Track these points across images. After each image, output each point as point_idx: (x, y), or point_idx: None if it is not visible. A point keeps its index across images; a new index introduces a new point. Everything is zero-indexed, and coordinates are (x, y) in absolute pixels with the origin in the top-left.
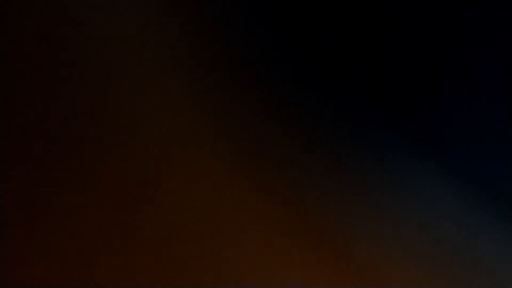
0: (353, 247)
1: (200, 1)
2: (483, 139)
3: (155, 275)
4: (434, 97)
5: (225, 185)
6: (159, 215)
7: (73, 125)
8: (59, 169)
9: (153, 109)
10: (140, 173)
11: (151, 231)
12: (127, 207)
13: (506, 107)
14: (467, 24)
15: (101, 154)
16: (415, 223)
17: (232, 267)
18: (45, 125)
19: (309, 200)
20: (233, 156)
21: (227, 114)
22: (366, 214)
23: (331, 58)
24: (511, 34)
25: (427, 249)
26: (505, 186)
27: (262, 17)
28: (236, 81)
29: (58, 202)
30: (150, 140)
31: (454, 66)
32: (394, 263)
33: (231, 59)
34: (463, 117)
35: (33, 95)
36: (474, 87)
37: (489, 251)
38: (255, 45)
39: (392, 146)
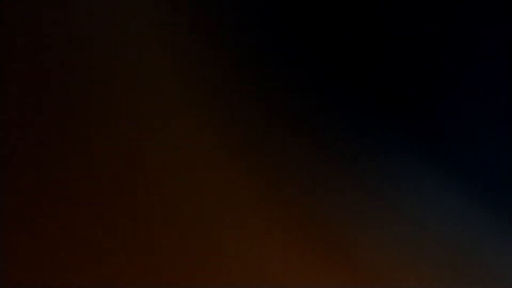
0: (353, 247)
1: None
2: (484, 139)
3: (155, 275)
4: (436, 96)
5: (226, 185)
6: (160, 215)
7: (74, 124)
8: (60, 169)
9: (155, 109)
10: (141, 174)
11: (152, 231)
12: (128, 207)
13: (507, 106)
14: (468, 23)
15: (102, 154)
16: (415, 223)
17: (232, 267)
18: (45, 124)
19: (310, 199)
20: (234, 156)
21: (228, 113)
22: (365, 213)
23: (333, 57)
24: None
25: (427, 249)
26: (506, 186)
27: (266, 16)
28: (238, 80)
29: (59, 201)
30: (152, 141)
31: (455, 65)
32: (394, 263)
33: (233, 58)
34: (465, 116)
35: (33, 95)
36: (475, 86)
37: (489, 251)
38: (257, 44)
39: (394, 145)
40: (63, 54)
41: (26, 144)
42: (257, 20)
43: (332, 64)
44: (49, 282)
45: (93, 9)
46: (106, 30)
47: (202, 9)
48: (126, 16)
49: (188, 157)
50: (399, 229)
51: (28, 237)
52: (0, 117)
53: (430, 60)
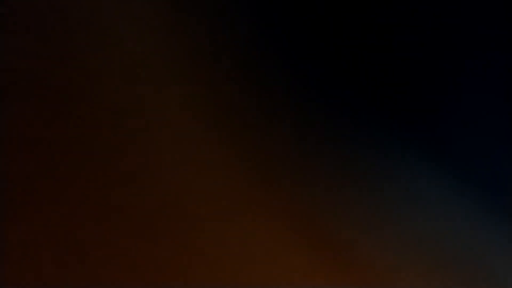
0: (353, 247)
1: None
2: (484, 139)
3: (155, 275)
4: (436, 96)
5: (226, 184)
6: (160, 216)
7: (74, 125)
8: (60, 169)
9: (156, 108)
10: (141, 174)
11: (153, 231)
12: (128, 207)
13: (507, 106)
14: (469, 23)
15: (102, 154)
16: (416, 223)
17: (232, 267)
18: (45, 124)
19: (310, 199)
20: (234, 155)
21: (228, 113)
22: (365, 213)
23: (335, 56)
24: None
25: (427, 249)
26: (506, 186)
27: (265, 16)
28: (239, 79)
29: (59, 201)
30: (152, 140)
31: (455, 65)
32: (394, 263)
33: (235, 57)
34: (464, 116)
35: (33, 95)
36: (475, 86)
37: (489, 251)
38: (258, 44)
39: (394, 145)
40: (62, 54)
41: (26, 144)
42: (256, 19)
43: (333, 64)
44: (49, 282)
45: (94, 9)
46: (107, 29)
47: (203, 9)
48: (126, 16)
49: (188, 157)
50: (399, 229)
51: (28, 237)
52: (0, 117)
53: (430, 60)
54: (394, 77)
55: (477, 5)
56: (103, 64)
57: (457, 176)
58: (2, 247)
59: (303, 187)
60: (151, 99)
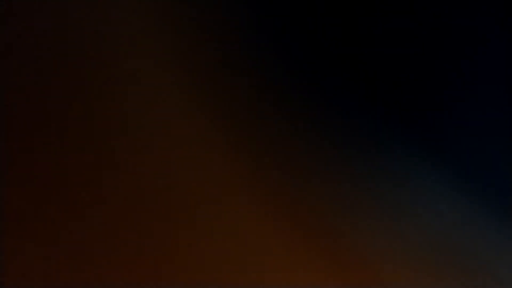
0: (353, 247)
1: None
2: (484, 138)
3: (155, 275)
4: (436, 96)
5: (226, 184)
6: (160, 216)
7: (74, 125)
8: (60, 169)
9: (156, 109)
10: (142, 174)
11: (153, 231)
12: (128, 207)
13: (507, 107)
14: (470, 24)
15: (102, 155)
16: (415, 223)
17: (232, 267)
18: (45, 125)
19: (311, 199)
20: (234, 156)
21: (228, 113)
22: (365, 213)
23: (335, 56)
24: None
25: (427, 249)
26: (506, 186)
27: (265, 15)
28: (239, 80)
29: (59, 202)
30: (152, 140)
31: (455, 65)
32: (394, 263)
33: (236, 58)
34: (464, 116)
35: (33, 96)
36: (475, 86)
37: (489, 251)
38: (258, 44)
39: (393, 145)
40: (64, 55)
41: (26, 146)
42: (257, 20)
43: (333, 63)
44: (49, 282)
45: (95, 10)
46: (109, 31)
47: (204, 9)
48: (127, 17)
49: (187, 158)
50: (398, 229)
51: (28, 238)
52: (1, 118)
53: (429, 60)
54: (394, 77)
55: (477, 5)
56: (104, 66)
57: (457, 176)
58: (2, 247)
59: (304, 186)
60: (152, 99)
